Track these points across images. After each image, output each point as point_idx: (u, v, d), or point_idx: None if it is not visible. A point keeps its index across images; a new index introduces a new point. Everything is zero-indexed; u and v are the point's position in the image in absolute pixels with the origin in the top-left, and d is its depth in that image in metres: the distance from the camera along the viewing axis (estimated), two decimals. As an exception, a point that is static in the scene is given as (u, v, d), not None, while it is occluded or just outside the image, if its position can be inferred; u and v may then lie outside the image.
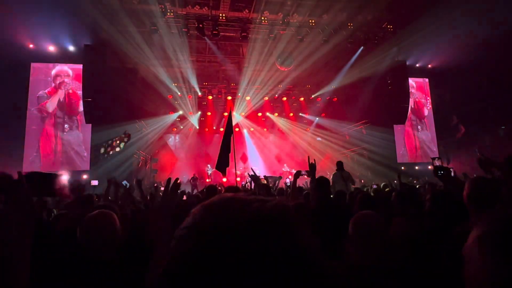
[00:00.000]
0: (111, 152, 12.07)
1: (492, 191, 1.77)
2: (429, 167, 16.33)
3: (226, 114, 17.85)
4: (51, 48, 13.41)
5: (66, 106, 13.72)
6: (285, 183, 10.88)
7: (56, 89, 13.71)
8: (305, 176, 3.66)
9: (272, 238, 0.38)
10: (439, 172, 5.40)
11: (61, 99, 13.71)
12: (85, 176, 12.77)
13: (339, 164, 6.54)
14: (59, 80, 13.81)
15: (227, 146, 5.47)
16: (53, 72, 13.74)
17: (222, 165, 5.45)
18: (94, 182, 10.91)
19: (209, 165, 17.68)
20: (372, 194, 5.41)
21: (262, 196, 0.46)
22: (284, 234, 0.39)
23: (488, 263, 0.64)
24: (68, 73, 13.90)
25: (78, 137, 13.51)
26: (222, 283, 0.35)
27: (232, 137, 5.57)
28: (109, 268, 1.58)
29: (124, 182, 5.51)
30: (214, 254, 0.37)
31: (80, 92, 13.40)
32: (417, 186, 7.27)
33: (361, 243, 1.60)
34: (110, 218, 1.72)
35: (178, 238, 0.41)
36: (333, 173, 6.70)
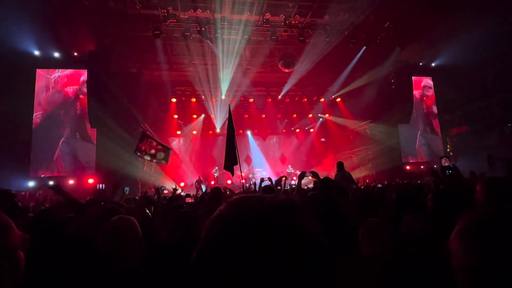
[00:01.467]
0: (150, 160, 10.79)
1: (509, 190, 1.75)
2: (435, 166, 16.22)
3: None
4: (56, 54, 13.57)
5: (71, 111, 13.86)
6: (290, 185, 10.87)
7: (60, 95, 13.86)
8: (310, 177, 3.67)
9: (283, 222, 0.48)
10: (447, 171, 5.35)
11: (66, 105, 13.86)
12: (91, 180, 12.87)
13: (340, 165, 6.53)
14: (63, 86, 13.96)
15: (232, 145, 5.50)
16: (55, 78, 13.88)
17: (230, 164, 5.47)
18: (100, 186, 11.00)
19: (216, 168, 17.74)
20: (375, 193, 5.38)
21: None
22: (292, 218, 0.49)
23: (465, 255, 0.68)
24: (72, 78, 14.05)
25: (83, 141, 13.63)
26: (242, 258, 0.44)
27: (234, 135, 5.61)
28: (134, 278, 1.49)
29: (126, 189, 5.57)
30: (238, 236, 0.46)
31: (84, 98, 13.54)
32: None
33: (370, 249, 1.65)
34: (132, 224, 1.64)
35: (209, 226, 0.51)
36: (335, 174, 6.69)
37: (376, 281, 1.46)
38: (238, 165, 5.44)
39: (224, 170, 5.89)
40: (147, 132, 11.90)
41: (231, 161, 5.48)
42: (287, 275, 0.43)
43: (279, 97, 17.94)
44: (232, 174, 5.64)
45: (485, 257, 0.64)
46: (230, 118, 5.90)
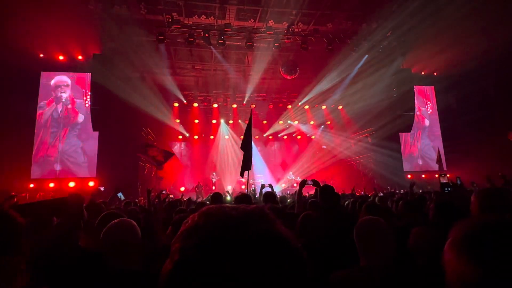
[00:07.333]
0: None
1: (502, 201, 1.75)
2: (436, 175, 16.14)
3: (240, 121, 18.46)
4: (61, 57, 13.66)
5: (74, 114, 13.88)
6: (292, 194, 10.81)
7: (54, 98, 13.79)
8: (311, 186, 3.63)
9: (253, 228, 0.49)
10: (445, 189, 5.35)
11: (69, 107, 13.88)
12: (91, 183, 12.86)
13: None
14: (57, 89, 13.87)
15: (248, 149, 5.43)
16: (52, 82, 13.83)
17: (243, 169, 5.43)
18: (101, 189, 10.98)
19: (214, 173, 17.69)
20: (377, 202, 5.35)
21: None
22: (267, 224, 0.51)
23: (458, 267, 0.65)
24: (67, 82, 13.95)
25: (76, 145, 13.54)
26: (217, 266, 0.44)
27: (250, 140, 5.56)
28: (137, 280, 1.51)
29: (119, 194, 5.56)
30: (214, 245, 0.47)
31: (79, 101, 13.62)
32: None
33: (364, 247, 1.63)
34: (133, 227, 1.67)
35: (185, 236, 0.50)
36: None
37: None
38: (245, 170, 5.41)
39: (222, 176, 5.89)
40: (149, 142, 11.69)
41: (245, 166, 5.43)
42: (269, 282, 0.44)
43: (281, 103, 17.99)
44: (242, 177, 5.60)
45: (483, 266, 0.62)
46: (250, 123, 5.80)
